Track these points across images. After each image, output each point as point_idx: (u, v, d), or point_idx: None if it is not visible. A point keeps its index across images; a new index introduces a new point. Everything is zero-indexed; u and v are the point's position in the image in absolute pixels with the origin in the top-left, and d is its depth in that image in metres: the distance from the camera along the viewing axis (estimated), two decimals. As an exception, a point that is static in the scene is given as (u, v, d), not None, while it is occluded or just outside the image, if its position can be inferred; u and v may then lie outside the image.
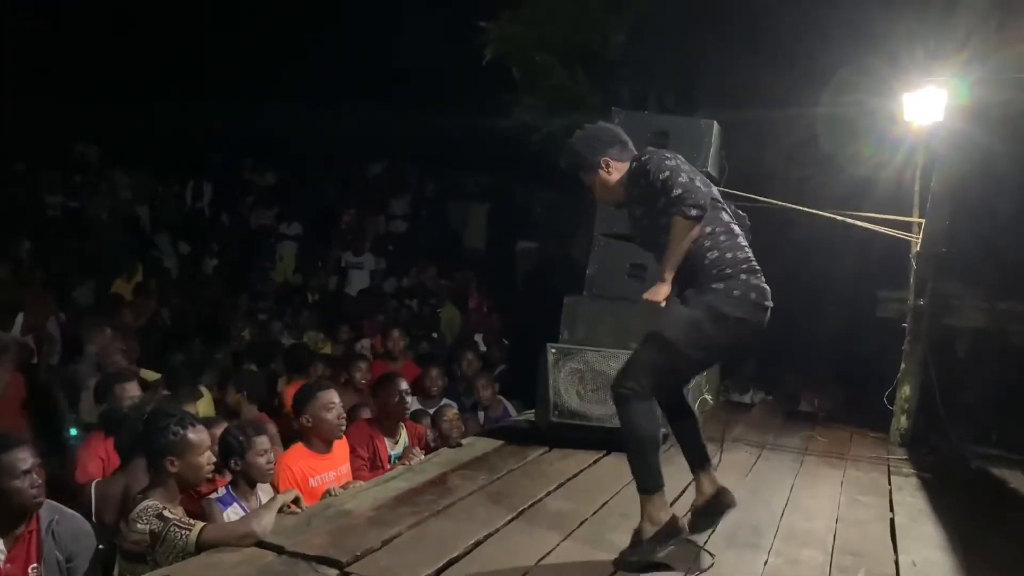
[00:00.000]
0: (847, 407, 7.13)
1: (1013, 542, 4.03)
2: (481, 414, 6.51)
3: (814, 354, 7.53)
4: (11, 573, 2.97)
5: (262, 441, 3.69)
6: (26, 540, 3.03)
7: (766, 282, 3.20)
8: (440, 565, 2.99)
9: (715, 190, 3.31)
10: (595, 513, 3.75)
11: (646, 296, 3.12)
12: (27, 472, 2.95)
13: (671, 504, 3.38)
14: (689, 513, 3.36)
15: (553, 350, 5.07)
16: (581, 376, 4.97)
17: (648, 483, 3.14)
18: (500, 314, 10.22)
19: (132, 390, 4.29)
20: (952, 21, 5.24)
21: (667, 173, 3.09)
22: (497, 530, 3.42)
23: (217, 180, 13.00)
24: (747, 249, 3.23)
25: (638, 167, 3.23)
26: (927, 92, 5.52)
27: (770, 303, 3.19)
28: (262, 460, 3.65)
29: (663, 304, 3.09)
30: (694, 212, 3.03)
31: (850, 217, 5.90)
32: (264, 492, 3.74)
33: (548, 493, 4.00)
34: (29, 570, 3.02)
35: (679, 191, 3.04)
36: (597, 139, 3.40)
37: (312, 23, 12.84)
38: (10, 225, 9.74)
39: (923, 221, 5.77)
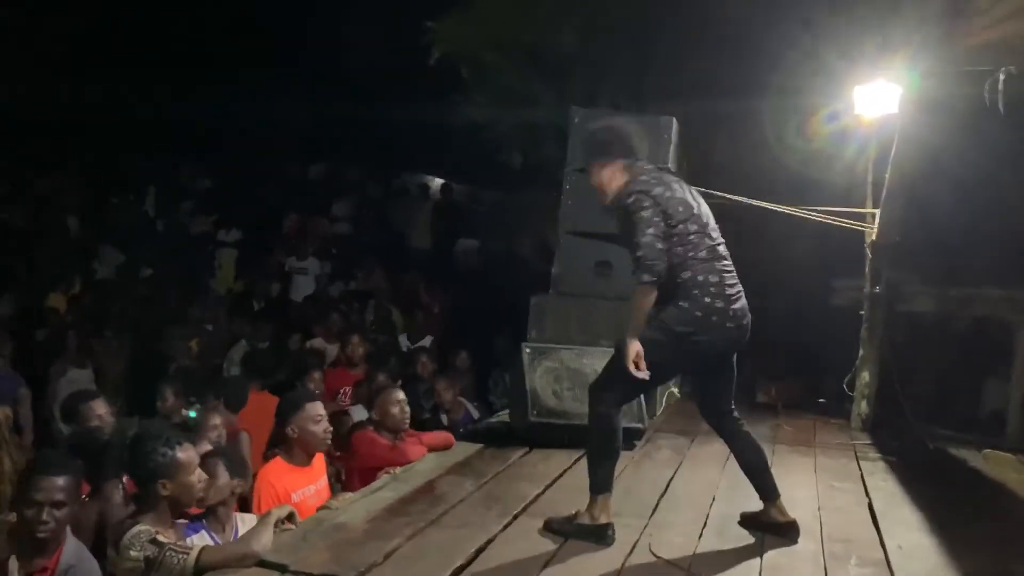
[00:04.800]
0: (803, 396, 7.30)
1: (986, 521, 4.17)
2: (444, 417, 6.44)
3: (769, 344, 7.67)
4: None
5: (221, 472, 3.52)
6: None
7: (741, 299, 3.36)
8: (448, 574, 2.93)
9: (703, 208, 3.43)
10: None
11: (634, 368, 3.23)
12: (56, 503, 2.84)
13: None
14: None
15: (528, 350, 5.06)
16: (557, 375, 4.97)
17: (599, 486, 3.39)
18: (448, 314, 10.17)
19: (99, 408, 4.09)
20: (902, 15, 5.37)
21: (638, 227, 3.22)
22: (496, 535, 3.38)
23: (153, 186, 12.56)
24: (723, 272, 3.34)
25: (625, 200, 3.31)
26: (878, 85, 5.66)
27: (734, 324, 3.33)
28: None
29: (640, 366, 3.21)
30: (646, 278, 3.19)
31: (804, 209, 6.04)
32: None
33: (538, 495, 3.98)
34: None
35: (639, 253, 3.20)
36: (612, 139, 3.50)
37: (250, 20, 12.53)
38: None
39: (877, 211, 5.93)
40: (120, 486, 3.46)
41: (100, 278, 10.21)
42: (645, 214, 3.23)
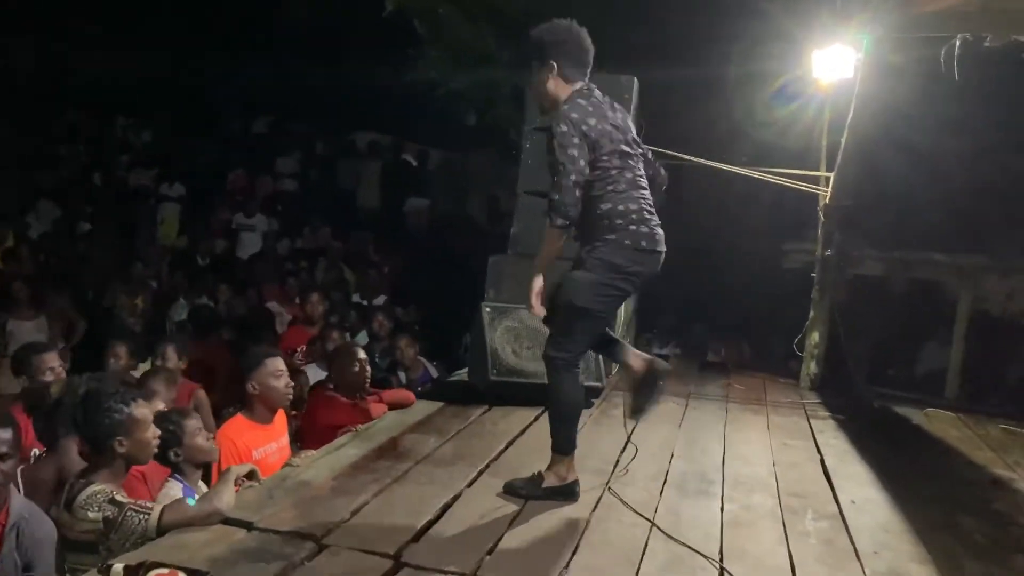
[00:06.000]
0: (752, 356, 7.44)
1: (932, 476, 4.32)
2: (402, 375, 6.40)
3: (721, 306, 7.79)
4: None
5: (192, 424, 3.49)
6: None
7: (660, 227, 3.32)
8: (417, 530, 2.92)
9: (630, 136, 3.34)
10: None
11: (532, 306, 3.28)
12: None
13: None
14: (629, 395, 3.52)
15: (488, 309, 5.03)
16: (516, 334, 4.96)
17: (563, 446, 3.37)
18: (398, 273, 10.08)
19: (51, 361, 3.94)
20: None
21: (560, 167, 3.11)
22: (462, 492, 3.38)
23: (88, 138, 12.10)
24: (641, 200, 3.29)
25: (554, 130, 3.18)
26: (834, 50, 5.71)
27: (661, 248, 3.31)
28: (200, 440, 3.47)
29: (540, 307, 3.27)
30: (559, 222, 3.14)
31: (760, 171, 6.09)
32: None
33: (500, 452, 3.98)
34: None
35: (556, 196, 3.12)
36: (558, 39, 3.31)
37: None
38: None
39: (831, 175, 6.01)
40: (76, 442, 3.35)
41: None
42: (572, 152, 3.12)
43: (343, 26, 10.82)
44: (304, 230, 11.51)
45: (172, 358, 4.76)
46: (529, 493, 3.35)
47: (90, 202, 11.36)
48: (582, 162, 3.14)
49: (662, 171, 3.63)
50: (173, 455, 3.34)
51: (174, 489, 3.25)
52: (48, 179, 11.27)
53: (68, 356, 5.64)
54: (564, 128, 3.16)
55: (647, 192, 3.35)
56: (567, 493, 3.36)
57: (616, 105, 3.41)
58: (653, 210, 3.34)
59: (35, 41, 11.35)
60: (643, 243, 3.24)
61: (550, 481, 3.36)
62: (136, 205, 11.59)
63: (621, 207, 3.22)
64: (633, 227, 3.22)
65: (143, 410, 3.01)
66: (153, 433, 3.03)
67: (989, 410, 5.92)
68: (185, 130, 13.01)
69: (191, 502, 3.19)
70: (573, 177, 3.12)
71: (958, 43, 4.86)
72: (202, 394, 4.72)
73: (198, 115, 13.20)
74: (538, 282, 3.26)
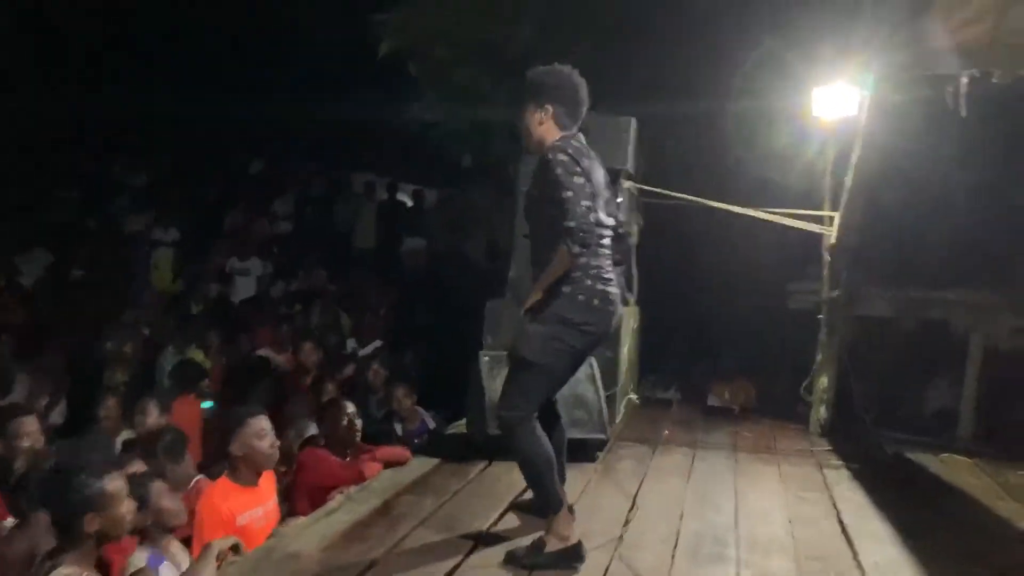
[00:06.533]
0: (757, 400, 7.25)
1: (952, 530, 4.11)
2: (398, 426, 6.19)
3: (725, 347, 7.62)
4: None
5: (158, 486, 3.33)
6: None
7: (616, 288, 3.28)
8: (412, 611, 2.72)
9: (607, 192, 3.31)
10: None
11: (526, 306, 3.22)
12: None
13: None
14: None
15: (486, 358, 4.85)
16: (516, 385, 4.76)
17: (551, 503, 3.19)
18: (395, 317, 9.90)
19: (28, 426, 3.75)
20: (862, 17, 5.31)
21: (569, 194, 3.06)
22: (460, 564, 3.17)
23: (83, 181, 11.99)
24: (602, 255, 3.24)
25: (551, 161, 3.14)
26: (837, 87, 5.61)
27: (613, 308, 3.25)
28: (167, 502, 3.30)
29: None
30: (576, 250, 3.07)
31: (763, 211, 5.95)
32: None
33: (502, 514, 3.77)
34: None
35: (571, 224, 3.05)
36: (558, 85, 3.27)
37: (187, 11, 12.02)
38: None
39: (836, 214, 5.88)
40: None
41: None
42: (579, 180, 3.08)
43: (338, 68, 10.75)
44: (299, 272, 11.36)
45: (153, 413, 4.58)
46: (532, 562, 3.15)
47: (84, 247, 11.22)
48: (588, 189, 3.10)
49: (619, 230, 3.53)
50: (140, 520, 3.14)
51: (138, 558, 3.05)
52: (41, 224, 11.13)
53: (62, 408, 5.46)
54: (564, 158, 3.12)
55: (608, 257, 3.30)
56: (573, 556, 3.16)
57: (597, 162, 3.33)
58: (612, 275, 3.28)
59: (30, 85, 11.25)
60: (595, 301, 3.17)
61: (552, 544, 3.16)
62: (131, 250, 11.44)
63: (583, 260, 3.15)
64: (589, 282, 3.17)
65: (116, 483, 2.82)
66: (128, 507, 2.84)
67: (1005, 455, 5.72)
68: (182, 172, 12.91)
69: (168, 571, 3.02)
70: (585, 203, 3.06)
71: (965, 80, 4.74)
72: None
73: (195, 157, 13.13)
74: (536, 296, 3.17)
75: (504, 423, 3.19)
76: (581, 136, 3.32)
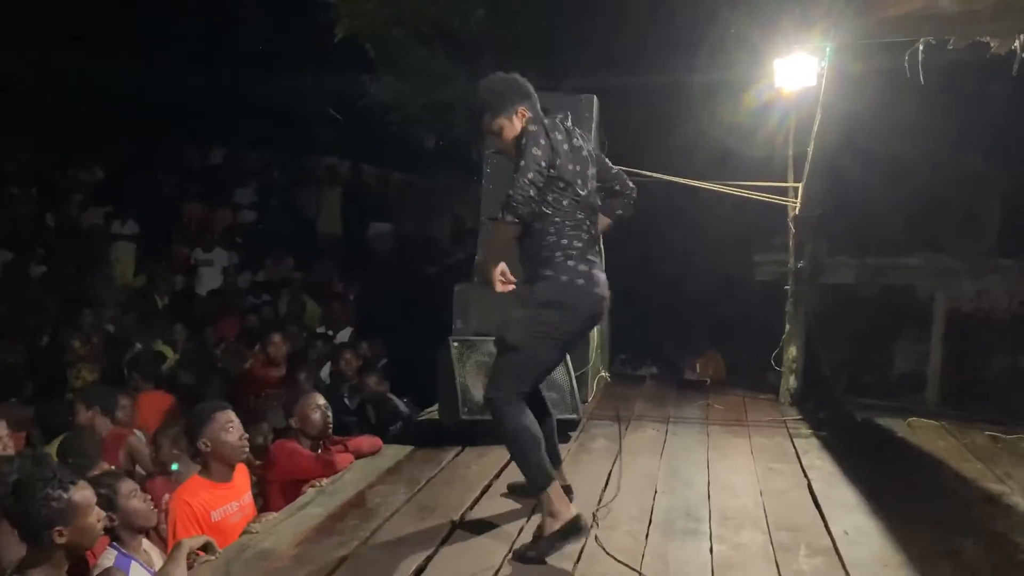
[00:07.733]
0: (727, 372, 7.30)
1: (923, 496, 4.17)
2: (372, 414, 6.14)
3: (693, 320, 7.66)
4: None
5: (126, 486, 3.29)
6: None
7: (602, 272, 3.29)
8: (388, 603, 2.70)
9: (590, 172, 3.30)
10: (529, 519, 3.53)
11: (496, 283, 3.23)
12: None
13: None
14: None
15: (455, 343, 4.82)
16: (486, 368, 4.73)
17: (540, 480, 3.13)
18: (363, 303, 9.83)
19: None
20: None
21: (522, 163, 3.07)
22: (436, 551, 3.15)
23: (39, 178, 11.73)
24: (584, 237, 3.25)
25: (523, 135, 3.16)
26: (797, 58, 5.60)
27: (599, 291, 3.26)
28: (136, 503, 3.25)
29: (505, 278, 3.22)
30: (508, 219, 3.06)
31: (727, 184, 5.97)
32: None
33: (475, 501, 3.76)
34: None
35: (510, 191, 3.05)
36: (515, 87, 3.31)
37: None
38: None
39: (799, 185, 5.90)
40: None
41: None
42: (536, 151, 3.06)
43: (295, 52, 10.58)
44: (265, 262, 11.24)
45: (82, 413, 4.53)
46: (541, 552, 3.07)
47: (42, 244, 10.99)
48: (543, 163, 3.08)
49: (629, 183, 3.60)
50: (108, 520, 3.09)
51: (107, 559, 3.00)
52: None
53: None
54: (533, 128, 3.13)
55: (594, 239, 3.31)
56: (574, 530, 3.09)
57: (583, 137, 3.35)
58: (597, 257, 3.30)
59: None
60: (579, 280, 3.18)
61: (550, 525, 3.09)
62: (91, 245, 11.23)
63: (564, 241, 3.17)
64: (572, 263, 3.17)
65: (84, 492, 2.74)
66: (97, 516, 2.78)
67: (971, 416, 5.82)
68: (137, 164, 12.67)
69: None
70: (530, 175, 3.04)
71: (921, 47, 4.77)
72: (135, 441, 4.46)
73: (151, 147, 12.89)
74: (497, 267, 3.20)
75: (492, 406, 3.20)
76: (559, 118, 3.31)
